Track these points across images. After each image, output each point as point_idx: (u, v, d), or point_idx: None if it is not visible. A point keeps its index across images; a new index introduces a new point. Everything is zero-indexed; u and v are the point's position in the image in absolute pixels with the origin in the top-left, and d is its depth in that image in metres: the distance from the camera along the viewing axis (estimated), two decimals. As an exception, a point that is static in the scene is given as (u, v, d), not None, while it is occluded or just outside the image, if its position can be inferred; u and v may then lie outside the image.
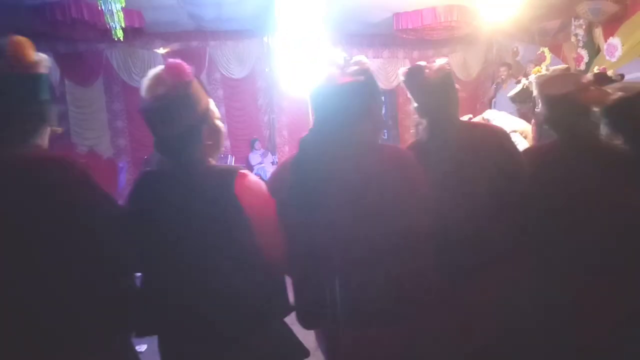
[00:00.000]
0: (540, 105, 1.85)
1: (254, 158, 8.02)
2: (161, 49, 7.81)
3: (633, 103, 1.76)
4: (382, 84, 9.17)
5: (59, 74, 7.24)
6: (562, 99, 1.74)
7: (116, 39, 4.59)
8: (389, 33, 7.59)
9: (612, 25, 6.55)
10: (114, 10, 4.30)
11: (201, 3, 6.15)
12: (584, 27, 6.97)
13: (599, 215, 1.59)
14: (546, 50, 7.09)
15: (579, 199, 1.61)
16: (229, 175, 1.37)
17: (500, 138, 1.79)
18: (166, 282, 1.34)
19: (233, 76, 8.33)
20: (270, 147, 8.61)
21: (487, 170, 1.66)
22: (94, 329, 1.26)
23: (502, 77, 7.34)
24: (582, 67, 6.96)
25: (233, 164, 7.91)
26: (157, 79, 1.37)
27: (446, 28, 7.15)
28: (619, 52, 6.34)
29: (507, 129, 2.16)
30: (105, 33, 5.05)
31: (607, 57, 6.46)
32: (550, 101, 1.79)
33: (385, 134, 9.01)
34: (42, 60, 1.31)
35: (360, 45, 8.91)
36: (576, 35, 7.11)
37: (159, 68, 1.40)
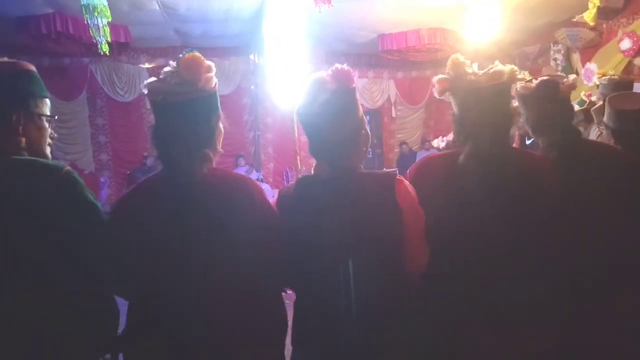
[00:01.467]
0: (609, 119, 1.91)
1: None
2: (146, 64, 7.81)
3: None
4: (367, 104, 9.28)
5: (41, 87, 7.17)
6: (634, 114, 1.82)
7: (102, 53, 4.57)
8: (374, 53, 7.72)
9: (589, 51, 6.78)
10: (100, 25, 4.29)
11: (189, 20, 6.18)
12: (562, 52, 7.20)
13: None
14: (526, 73, 7.27)
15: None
16: (390, 180, 1.36)
17: None
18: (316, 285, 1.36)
19: (219, 93, 8.35)
20: (255, 164, 8.60)
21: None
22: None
23: None
24: (561, 90, 7.15)
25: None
26: (321, 83, 1.37)
27: (429, 50, 7.32)
28: (596, 77, 6.55)
29: None
30: (90, 47, 5.04)
31: (585, 82, 6.67)
32: (622, 116, 1.85)
33: (370, 152, 9.10)
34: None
35: (346, 65, 9.04)
36: (555, 59, 7.34)
37: (322, 73, 1.40)
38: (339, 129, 1.34)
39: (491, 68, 1.52)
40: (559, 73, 7.28)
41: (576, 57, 7.08)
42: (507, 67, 1.50)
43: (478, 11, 5.62)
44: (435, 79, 1.54)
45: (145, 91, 1.32)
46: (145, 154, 7.36)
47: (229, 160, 8.29)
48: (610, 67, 6.39)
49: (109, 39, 4.48)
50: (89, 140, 7.74)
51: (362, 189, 1.35)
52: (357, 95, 1.42)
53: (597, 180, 1.54)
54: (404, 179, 1.40)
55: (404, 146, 8.99)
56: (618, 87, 2.22)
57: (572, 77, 1.75)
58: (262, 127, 8.71)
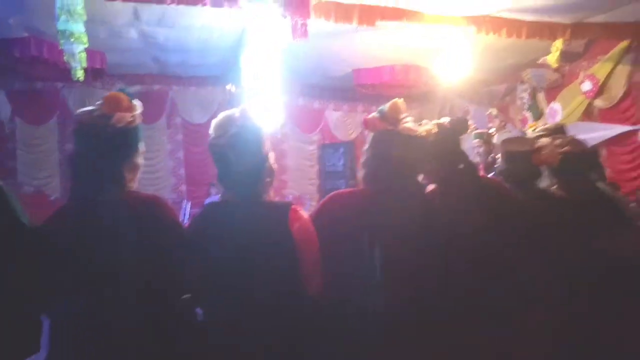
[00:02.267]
0: (501, 160, 2.12)
1: (211, 203, 7.90)
2: (121, 91, 7.76)
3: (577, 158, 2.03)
4: (340, 136, 9.41)
5: (10, 110, 7.01)
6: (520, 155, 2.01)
7: (75, 80, 4.52)
8: (349, 87, 7.89)
9: (553, 91, 7.13)
10: (76, 51, 4.26)
11: (167, 49, 6.22)
12: (528, 91, 7.54)
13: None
14: (495, 111, 7.56)
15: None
16: (285, 209, 1.53)
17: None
18: (217, 307, 1.45)
19: (194, 121, 8.33)
20: (229, 193, 8.52)
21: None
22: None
23: None
24: (527, 128, 7.46)
25: (189, 209, 7.75)
26: (230, 120, 1.54)
27: (403, 86, 7.52)
28: (559, 116, 6.87)
29: None
30: (64, 72, 4.98)
31: (549, 120, 6.98)
32: (511, 157, 2.05)
33: (344, 184, 9.16)
34: None
35: (321, 97, 9.21)
36: (521, 98, 7.67)
37: (231, 111, 1.58)
38: (244, 160, 1.49)
39: (420, 124, 1.75)
40: (524, 111, 7.61)
41: (541, 96, 7.42)
42: (426, 124, 1.75)
43: (449, 51, 5.87)
44: (370, 115, 1.74)
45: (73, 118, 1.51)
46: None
47: (202, 189, 8.20)
48: (572, 107, 6.73)
49: (85, 65, 4.45)
50: (57, 166, 7.54)
51: (260, 216, 1.50)
52: (263, 133, 1.58)
53: (479, 213, 1.70)
54: (299, 209, 1.55)
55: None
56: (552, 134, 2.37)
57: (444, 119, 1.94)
58: (236, 156, 8.69)
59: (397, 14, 4.57)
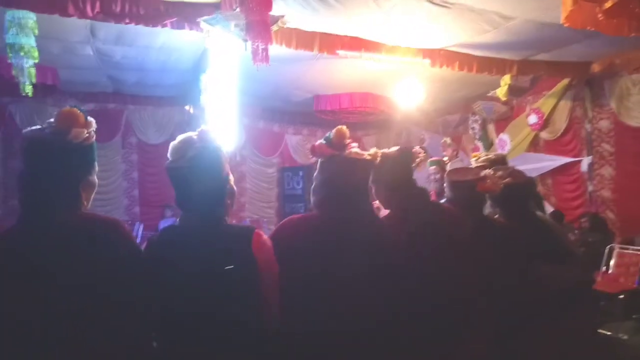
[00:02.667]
0: (447, 189, 2.23)
1: (166, 225, 7.66)
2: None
3: (515, 189, 2.19)
4: (300, 159, 9.46)
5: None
6: (464, 184, 2.12)
7: (24, 95, 4.34)
8: (309, 112, 7.98)
9: (502, 122, 7.50)
10: (25, 66, 4.10)
11: (124, 68, 6.09)
12: (479, 122, 7.89)
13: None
14: (448, 140, 7.84)
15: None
16: (248, 233, 1.50)
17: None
18: (180, 330, 1.40)
19: (150, 141, 8.14)
20: (184, 216, 8.31)
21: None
22: None
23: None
24: (479, 157, 7.76)
25: (142, 231, 7.49)
26: (188, 142, 1.51)
27: (361, 113, 7.71)
28: (508, 147, 7.21)
29: None
30: (13, 87, 4.77)
31: (499, 150, 7.30)
32: (455, 186, 2.16)
33: (302, 207, 9.16)
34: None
35: (282, 121, 9.26)
36: (473, 129, 8.01)
37: (190, 133, 1.55)
38: (205, 182, 1.47)
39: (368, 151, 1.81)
40: (475, 140, 7.93)
41: (491, 127, 7.78)
42: (373, 150, 1.82)
43: (406, 81, 6.08)
44: (317, 142, 1.77)
45: (21, 136, 1.40)
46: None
47: (156, 210, 7.97)
48: (520, 138, 7.08)
49: (34, 81, 4.28)
50: None
51: (223, 240, 1.47)
52: (223, 154, 1.56)
53: (434, 235, 1.80)
54: (262, 233, 1.54)
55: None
56: (493, 164, 2.53)
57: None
58: (193, 178, 8.53)
59: (356, 44, 4.71)
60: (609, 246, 5.39)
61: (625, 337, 4.26)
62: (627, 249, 5.21)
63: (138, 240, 7.24)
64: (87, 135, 1.42)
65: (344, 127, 1.74)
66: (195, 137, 1.53)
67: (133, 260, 1.43)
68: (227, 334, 1.39)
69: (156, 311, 1.41)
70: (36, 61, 4.15)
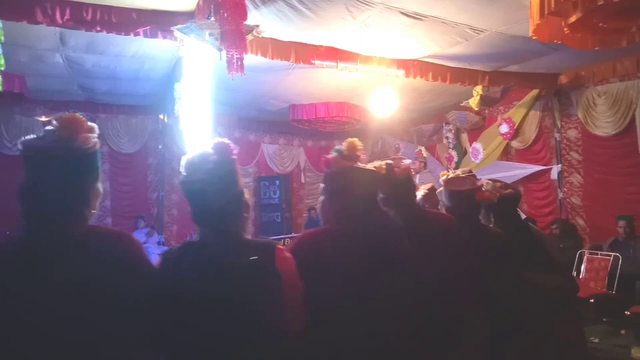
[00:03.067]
0: (445, 198, 2.30)
1: (138, 237, 7.50)
2: (43, 117, 7.27)
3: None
4: (277, 169, 9.43)
5: None
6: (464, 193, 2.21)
7: (-10, 103, 4.21)
8: (286, 121, 7.98)
9: (475, 132, 7.66)
10: (-9, 73, 3.99)
11: (95, 76, 5.96)
12: (453, 131, 8.04)
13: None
14: (423, 149, 7.96)
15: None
16: (270, 248, 1.47)
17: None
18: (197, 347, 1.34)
19: (122, 151, 7.99)
20: (157, 226, 8.16)
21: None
22: None
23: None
24: (453, 165, 7.91)
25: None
26: (203, 156, 1.47)
27: (337, 122, 7.75)
28: (481, 155, 7.36)
29: None
30: (-22, 95, 4.62)
31: (472, 159, 7.45)
32: (454, 195, 2.24)
33: (279, 217, 9.12)
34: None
35: (258, 130, 9.22)
36: (447, 138, 8.15)
37: (204, 147, 1.51)
38: (221, 196, 1.43)
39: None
40: (450, 149, 8.06)
41: (464, 136, 7.94)
42: (378, 162, 1.83)
43: (381, 91, 6.14)
44: (330, 155, 1.75)
45: (20, 147, 1.31)
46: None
47: (129, 221, 7.80)
48: (492, 147, 7.24)
49: (0, 89, 4.15)
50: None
51: (245, 254, 1.43)
52: (237, 167, 1.53)
53: (437, 244, 1.84)
54: (283, 249, 1.51)
55: (313, 211, 9.16)
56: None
57: (407, 161, 2.17)
58: (167, 187, 8.40)
59: (332, 54, 4.74)
60: (579, 252, 5.54)
61: (597, 340, 4.36)
62: (596, 254, 5.36)
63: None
64: (94, 141, 1.37)
65: (356, 139, 1.74)
66: (210, 150, 1.49)
67: (146, 275, 1.37)
68: (253, 350, 1.35)
69: (173, 328, 1.35)
70: (2, 69, 4.03)
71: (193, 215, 1.48)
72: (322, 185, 1.78)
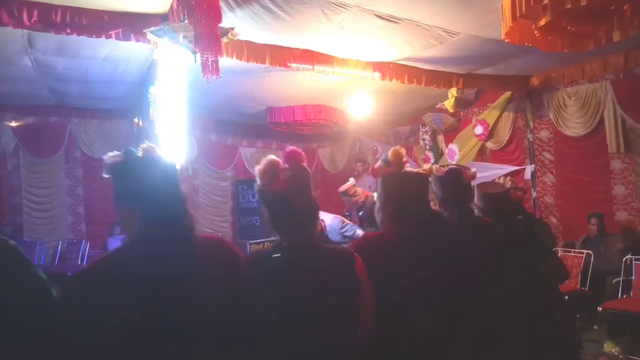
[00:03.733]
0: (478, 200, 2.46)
1: (113, 243, 7.33)
2: (13, 122, 7.08)
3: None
4: (255, 172, 9.36)
5: None
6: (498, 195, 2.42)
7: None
8: (263, 124, 7.94)
9: (451, 134, 7.76)
10: (-44, 77, 3.85)
11: (66, 80, 5.82)
12: (429, 133, 8.13)
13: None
14: (402, 150, 8.01)
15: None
16: (349, 254, 1.56)
17: None
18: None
19: (96, 156, 7.80)
20: (134, 232, 8.00)
21: None
22: None
23: (358, 171, 8.82)
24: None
25: (88, 249, 7.14)
26: (276, 164, 1.53)
27: (315, 125, 7.75)
28: (457, 156, 7.46)
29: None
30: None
31: (449, 160, 7.55)
32: (486, 198, 2.42)
33: (258, 220, 9.05)
34: None
35: (235, 134, 9.15)
36: (424, 139, 8.24)
37: (272, 157, 1.57)
38: (301, 204, 1.51)
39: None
40: (426, 151, 8.15)
41: (440, 138, 8.04)
42: (427, 165, 1.99)
43: (358, 94, 6.18)
44: (376, 165, 1.88)
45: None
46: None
47: (103, 228, 7.62)
48: (468, 148, 7.35)
49: (-34, 93, 4.02)
50: None
51: (328, 261, 1.52)
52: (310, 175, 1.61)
53: (486, 241, 1.98)
54: (358, 255, 1.58)
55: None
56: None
57: (473, 169, 2.32)
58: (143, 193, 8.25)
59: (308, 57, 4.74)
60: (553, 249, 5.67)
61: (570, 336, 4.46)
62: (570, 251, 5.49)
63: (84, 260, 6.92)
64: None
65: (401, 148, 1.85)
66: (281, 159, 1.55)
67: (244, 281, 1.44)
68: (338, 352, 1.43)
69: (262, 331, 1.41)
70: (-33, 72, 3.90)
71: (272, 223, 1.53)
72: (375, 194, 1.86)
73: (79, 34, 3.70)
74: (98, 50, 4.79)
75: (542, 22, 2.94)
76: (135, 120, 7.58)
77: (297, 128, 8.01)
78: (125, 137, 7.99)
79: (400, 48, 4.79)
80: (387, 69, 5.18)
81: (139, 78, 5.72)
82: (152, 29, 3.40)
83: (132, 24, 3.78)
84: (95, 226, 7.73)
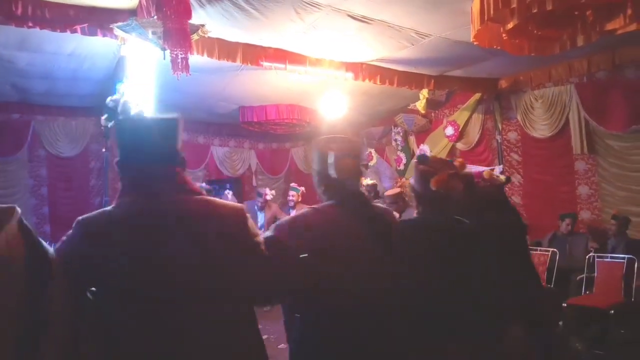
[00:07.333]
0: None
1: (80, 245, 7.13)
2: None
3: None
4: (227, 172, 9.26)
5: None
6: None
7: None
8: (236, 124, 7.86)
9: (422, 135, 7.86)
10: None
11: (30, 76, 5.60)
12: (401, 134, 8.22)
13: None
14: (373, 151, 8.09)
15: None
16: (386, 210, 1.92)
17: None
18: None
19: (62, 154, 7.56)
20: (101, 234, 7.79)
21: None
22: None
23: None
24: (402, 167, 8.08)
25: (54, 250, 6.90)
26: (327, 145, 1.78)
27: (288, 124, 7.72)
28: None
29: None
30: None
31: (420, 160, 7.64)
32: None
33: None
34: None
35: (207, 133, 9.01)
36: (396, 140, 8.32)
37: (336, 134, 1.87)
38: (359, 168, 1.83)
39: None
40: (398, 152, 8.23)
41: (412, 139, 8.13)
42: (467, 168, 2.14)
43: (330, 94, 6.18)
44: (435, 178, 1.91)
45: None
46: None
47: (67, 230, 7.37)
48: (439, 149, 7.45)
49: None
50: None
51: (377, 215, 1.80)
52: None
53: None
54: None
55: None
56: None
57: (502, 176, 2.53)
58: (111, 192, 8.01)
59: (280, 56, 4.71)
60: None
61: (536, 333, 4.58)
62: (536, 250, 5.64)
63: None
64: None
65: (463, 162, 2.12)
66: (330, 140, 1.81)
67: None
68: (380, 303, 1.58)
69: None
70: None
71: (334, 189, 1.75)
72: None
73: (41, 28, 3.57)
74: (63, 45, 4.64)
75: (510, 25, 3.01)
76: (103, 118, 7.37)
77: (270, 127, 7.96)
78: (92, 135, 7.78)
79: (373, 49, 4.82)
80: (359, 70, 5.20)
81: (106, 75, 5.56)
82: (120, 24, 3.31)
83: (98, 19, 3.68)
84: (61, 227, 7.46)
